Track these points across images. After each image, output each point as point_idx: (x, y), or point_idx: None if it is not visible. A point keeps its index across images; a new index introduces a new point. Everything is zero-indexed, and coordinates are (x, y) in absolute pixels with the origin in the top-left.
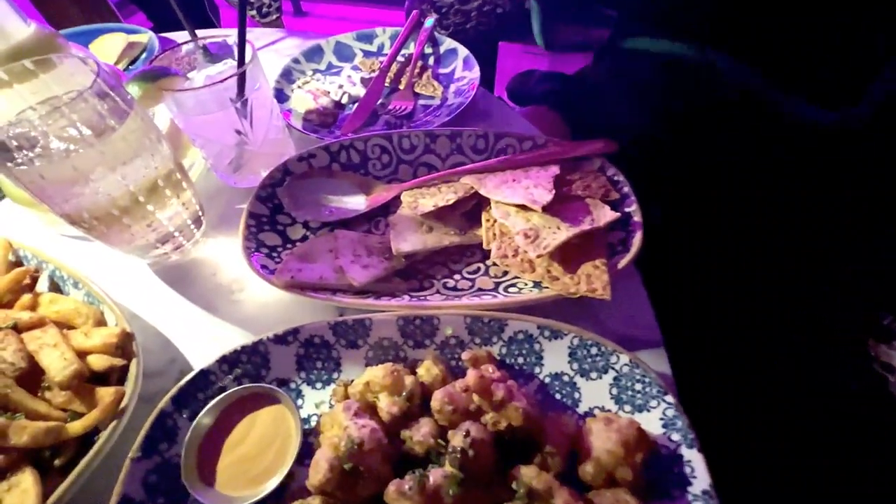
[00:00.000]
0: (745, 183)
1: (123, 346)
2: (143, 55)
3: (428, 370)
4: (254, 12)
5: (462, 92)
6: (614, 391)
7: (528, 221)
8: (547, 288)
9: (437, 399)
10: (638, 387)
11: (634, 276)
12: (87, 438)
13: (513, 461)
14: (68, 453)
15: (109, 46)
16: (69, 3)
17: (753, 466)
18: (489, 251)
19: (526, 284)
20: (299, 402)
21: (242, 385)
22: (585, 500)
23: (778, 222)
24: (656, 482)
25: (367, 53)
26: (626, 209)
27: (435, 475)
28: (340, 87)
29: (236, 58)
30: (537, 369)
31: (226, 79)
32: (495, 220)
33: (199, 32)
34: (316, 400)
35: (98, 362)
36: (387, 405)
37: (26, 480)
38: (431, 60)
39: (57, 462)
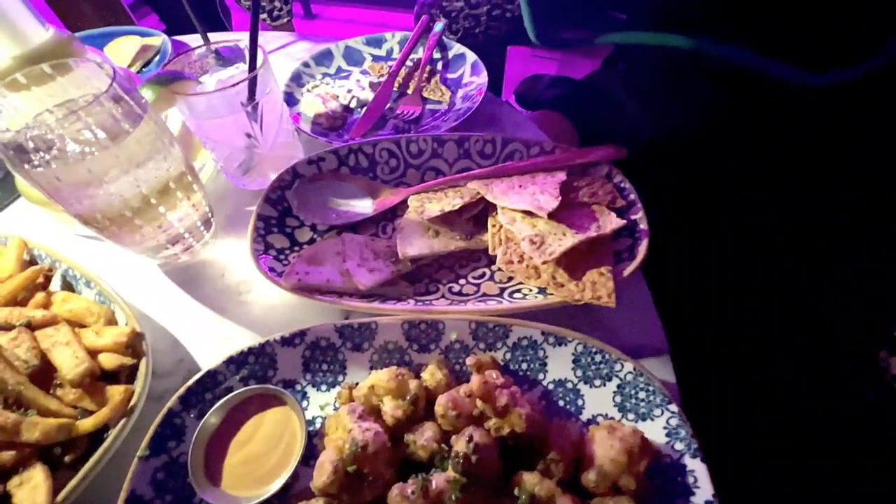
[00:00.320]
0: (746, 185)
1: (133, 346)
2: (157, 58)
3: (432, 374)
4: (265, 15)
5: (470, 97)
6: (618, 399)
7: (533, 227)
8: (552, 294)
9: (441, 404)
10: (642, 395)
11: (641, 283)
12: (97, 436)
13: (515, 467)
14: (78, 450)
15: (124, 49)
16: (84, 2)
17: (757, 475)
18: (495, 256)
19: (531, 290)
20: (304, 403)
21: (249, 386)
22: None
23: (779, 224)
24: (659, 491)
25: (376, 58)
26: (633, 217)
27: (438, 479)
28: (349, 91)
29: (247, 62)
30: (541, 375)
31: (237, 83)
32: (501, 226)
33: (212, 36)
34: (321, 402)
35: (108, 361)
36: (391, 409)
37: (37, 476)
38: (440, 65)
39: (67, 458)
